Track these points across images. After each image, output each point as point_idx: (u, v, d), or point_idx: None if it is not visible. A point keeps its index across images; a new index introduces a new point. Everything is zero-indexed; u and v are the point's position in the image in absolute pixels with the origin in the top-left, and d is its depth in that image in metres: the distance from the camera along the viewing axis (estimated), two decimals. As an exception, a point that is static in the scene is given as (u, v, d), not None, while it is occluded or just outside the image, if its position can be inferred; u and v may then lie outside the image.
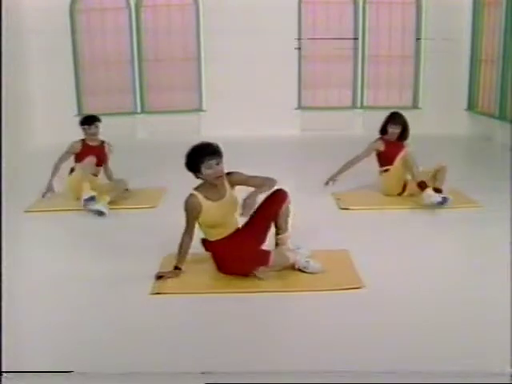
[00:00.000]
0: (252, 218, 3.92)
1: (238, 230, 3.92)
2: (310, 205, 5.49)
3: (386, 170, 5.72)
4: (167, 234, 4.55)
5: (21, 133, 8.51)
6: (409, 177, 5.61)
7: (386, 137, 5.74)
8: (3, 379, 2.62)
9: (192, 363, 2.86)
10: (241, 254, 3.74)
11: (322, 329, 3.21)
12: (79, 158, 5.85)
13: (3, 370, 2.64)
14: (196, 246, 4.08)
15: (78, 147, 5.89)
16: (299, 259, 3.80)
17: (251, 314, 3.40)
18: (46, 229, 5.24)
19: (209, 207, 3.74)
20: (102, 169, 6.04)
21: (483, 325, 3.19)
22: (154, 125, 9.81)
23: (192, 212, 3.74)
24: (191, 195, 3.75)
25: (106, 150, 6.04)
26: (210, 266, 3.98)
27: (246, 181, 3.87)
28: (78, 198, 5.46)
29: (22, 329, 3.27)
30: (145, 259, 4.20)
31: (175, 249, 4.04)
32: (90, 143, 5.92)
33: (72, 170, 5.84)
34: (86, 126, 5.90)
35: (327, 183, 5.70)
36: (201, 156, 3.68)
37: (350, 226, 4.95)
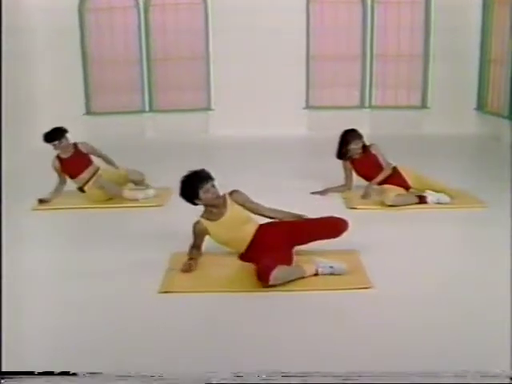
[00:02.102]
0: (296, 228, 4.02)
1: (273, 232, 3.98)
2: (317, 204, 5.49)
3: (381, 183, 5.61)
4: (175, 232, 4.57)
5: (29, 131, 8.53)
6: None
7: (350, 157, 5.72)
8: (3, 380, 2.61)
9: (196, 363, 2.86)
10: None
11: (330, 329, 3.20)
12: (70, 174, 5.81)
13: (3, 370, 2.62)
14: (205, 245, 4.10)
15: (58, 165, 5.78)
16: (322, 271, 3.76)
17: (260, 314, 3.40)
18: (54, 227, 5.26)
19: (213, 227, 3.96)
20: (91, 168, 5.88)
21: (489, 325, 3.18)
22: (162, 124, 9.83)
23: (199, 236, 4.01)
24: (197, 222, 3.99)
25: (84, 149, 5.89)
26: (218, 264, 4.00)
27: (245, 202, 4.05)
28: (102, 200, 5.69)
29: (26, 328, 3.27)
30: (152, 258, 4.21)
31: (183, 247, 4.07)
32: (65, 156, 5.80)
33: (81, 189, 5.80)
34: (56, 142, 5.69)
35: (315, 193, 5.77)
36: (197, 182, 3.87)
37: (357, 226, 4.94)
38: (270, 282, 3.55)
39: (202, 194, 3.88)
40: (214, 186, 3.92)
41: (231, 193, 4.05)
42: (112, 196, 5.70)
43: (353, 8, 9.71)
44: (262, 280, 3.57)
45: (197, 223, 3.99)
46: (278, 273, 3.56)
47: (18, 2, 8.55)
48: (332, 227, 4.04)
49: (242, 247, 3.99)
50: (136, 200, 5.68)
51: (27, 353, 2.99)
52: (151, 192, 5.80)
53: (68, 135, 5.82)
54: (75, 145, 5.87)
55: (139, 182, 5.97)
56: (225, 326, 3.26)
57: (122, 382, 2.68)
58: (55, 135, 5.73)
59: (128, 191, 5.77)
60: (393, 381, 2.61)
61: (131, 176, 5.94)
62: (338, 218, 4.07)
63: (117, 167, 6.01)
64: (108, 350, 3.03)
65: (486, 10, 9.35)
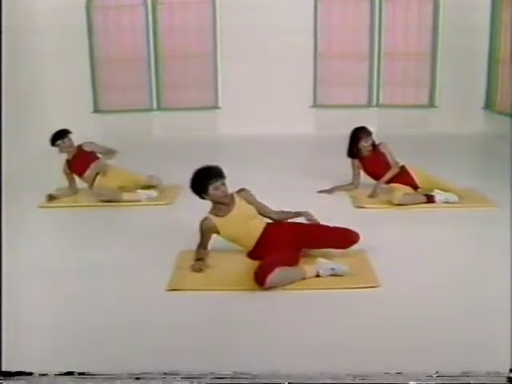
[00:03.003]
0: (306, 232, 4.01)
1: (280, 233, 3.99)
2: (325, 203, 5.50)
3: (389, 182, 5.60)
4: (183, 230, 4.58)
5: (38, 130, 8.56)
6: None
7: (360, 155, 5.72)
8: (3, 379, 2.59)
9: (202, 362, 2.86)
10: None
11: (338, 327, 3.20)
12: (76, 173, 5.90)
13: (3, 369, 2.59)
14: (211, 243, 4.11)
15: (67, 169, 5.90)
16: (323, 273, 3.75)
17: (268, 312, 3.40)
18: (60, 224, 5.29)
19: (222, 224, 3.97)
20: (98, 164, 5.89)
21: (492, 324, 3.17)
22: (169, 122, 9.85)
23: (206, 233, 4.03)
24: (206, 218, 4.00)
25: (87, 148, 5.94)
26: (226, 262, 4.01)
27: (252, 201, 4.07)
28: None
29: (28, 327, 3.26)
30: (160, 256, 4.22)
31: (191, 245, 4.08)
32: (69, 157, 5.88)
33: (91, 187, 5.84)
34: (60, 141, 5.79)
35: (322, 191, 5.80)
36: (208, 178, 3.90)
37: (364, 225, 4.94)
38: (266, 286, 3.53)
39: (211, 190, 3.90)
40: (224, 184, 3.93)
41: (239, 191, 4.07)
42: (111, 200, 5.60)
43: (361, 6, 9.69)
44: (258, 282, 3.55)
45: (205, 219, 4.00)
46: (276, 276, 3.53)
47: (26, 2, 8.58)
48: (342, 238, 4.01)
49: (251, 244, 4.01)
50: (137, 201, 5.63)
51: (28, 352, 2.97)
52: (153, 193, 5.75)
53: (71, 136, 5.88)
54: (79, 146, 5.94)
55: (157, 187, 5.91)
56: (232, 324, 3.27)
57: (123, 381, 2.67)
58: (58, 135, 5.83)
59: (127, 194, 5.69)
60: (392, 380, 2.60)
61: (149, 182, 5.89)
62: (350, 231, 4.04)
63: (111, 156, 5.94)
64: (112, 348, 3.01)
65: (494, 8, 9.31)
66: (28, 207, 5.56)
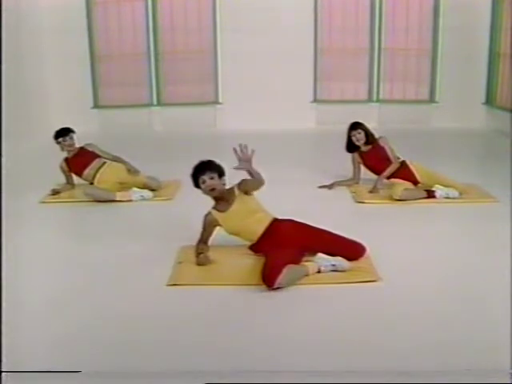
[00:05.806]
0: (314, 235, 3.94)
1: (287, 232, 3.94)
2: (326, 198, 5.50)
3: (390, 177, 5.59)
4: (184, 225, 4.58)
5: (37, 125, 8.57)
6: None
7: (357, 147, 5.74)
8: (3, 379, 2.56)
9: (203, 359, 2.85)
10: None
11: (337, 323, 3.20)
12: (75, 171, 5.89)
13: (3, 369, 2.57)
14: (212, 238, 4.10)
15: (66, 167, 5.90)
16: (324, 269, 3.73)
17: (268, 308, 3.40)
18: (61, 220, 5.27)
19: (222, 218, 3.98)
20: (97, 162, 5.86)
21: (492, 321, 3.16)
22: (169, 117, 9.84)
23: (208, 228, 4.05)
24: (208, 213, 4.02)
25: (90, 148, 5.93)
26: (227, 257, 4.00)
27: (252, 191, 4.00)
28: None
29: (28, 325, 3.23)
30: (161, 250, 4.21)
31: (191, 240, 4.08)
32: (70, 155, 5.89)
33: (92, 179, 5.81)
34: (60, 139, 5.81)
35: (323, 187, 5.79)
36: (196, 172, 3.96)
37: (365, 220, 4.94)
38: (275, 287, 3.51)
39: (200, 184, 3.93)
40: (212, 178, 3.90)
41: (239, 183, 4.01)
42: (104, 200, 5.53)
43: (361, 1, 9.68)
44: (267, 283, 3.52)
45: (207, 214, 4.01)
46: (284, 277, 3.52)
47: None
48: (350, 251, 3.93)
49: (253, 238, 3.96)
50: (130, 201, 5.55)
51: (28, 351, 2.95)
52: (149, 194, 5.65)
53: (74, 136, 5.88)
54: (81, 147, 5.94)
55: (156, 189, 5.81)
56: (233, 319, 3.26)
57: (123, 379, 2.67)
58: (61, 132, 5.85)
59: (120, 193, 5.61)
60: (392, 380, 2.59)
61: (149, 184, 5.78)
62: (359, 244, 3.98)
63: (129, 168, 5.88)
64: (113, 345, 2.99)
65: (495, 3, 9.29)
66: (29, 202, 5.55)
